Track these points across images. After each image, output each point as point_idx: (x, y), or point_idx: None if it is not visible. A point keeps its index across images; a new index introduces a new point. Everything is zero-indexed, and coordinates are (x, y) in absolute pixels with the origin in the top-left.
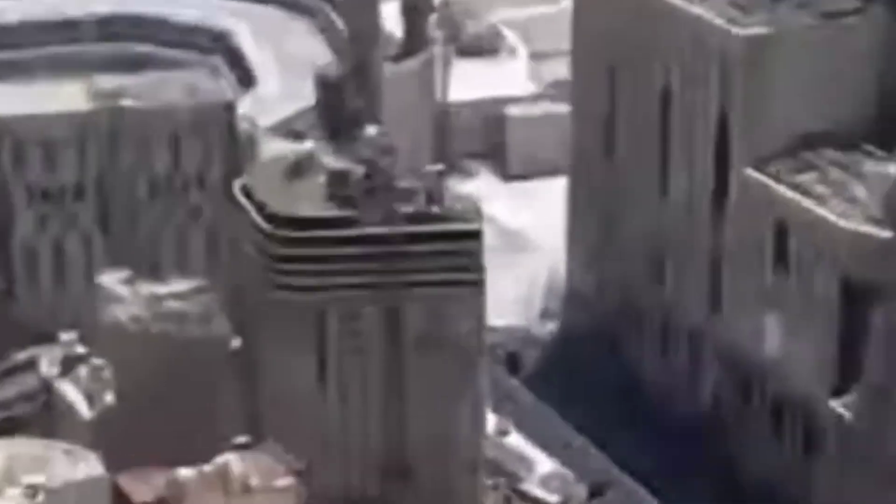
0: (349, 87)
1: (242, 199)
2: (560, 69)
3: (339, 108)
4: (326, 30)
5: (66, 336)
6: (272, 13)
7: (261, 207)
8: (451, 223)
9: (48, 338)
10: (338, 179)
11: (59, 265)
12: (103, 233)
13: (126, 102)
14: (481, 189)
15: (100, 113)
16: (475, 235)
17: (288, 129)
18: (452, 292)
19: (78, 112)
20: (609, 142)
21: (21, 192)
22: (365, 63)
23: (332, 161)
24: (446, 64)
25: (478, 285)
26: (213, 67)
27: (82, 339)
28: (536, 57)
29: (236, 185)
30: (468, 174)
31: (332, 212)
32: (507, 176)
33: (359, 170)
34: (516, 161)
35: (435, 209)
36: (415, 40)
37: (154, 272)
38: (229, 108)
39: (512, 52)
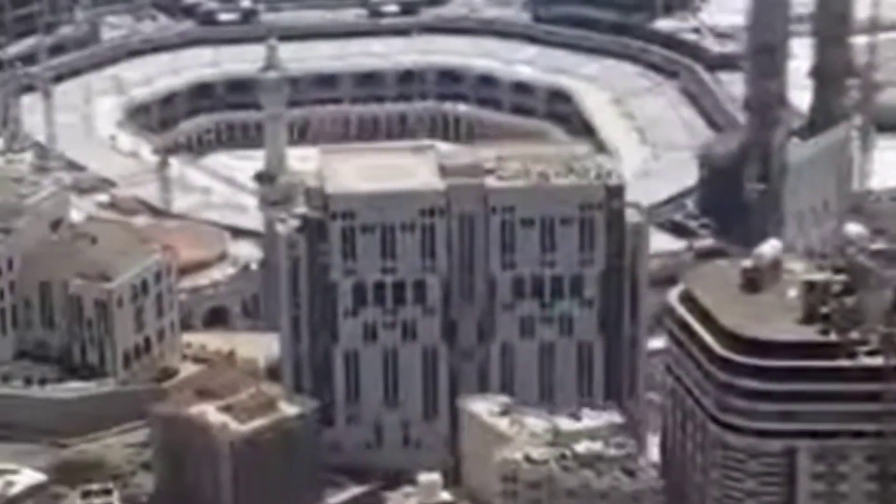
0: (747, 169)
1: (684, 313)
2: None
3: (734, 195)
4: (695, 94)
5: (424, 478)
6: (621, 69)
7: (713, 324)
8: None
9: (369, 474)
10: (817, 293)
11: (391, 381)
12: (449, 345)
13: (487, 180)
14: None
15: (454, 192)
16: None
17: (665, 219)
18: None
19: (426, 190)
20: None
21: (348, 289)
22: (764, 139)
23: (804, 268)
24: (865, 141)
25: None
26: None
27: (445, 484)
28: None
29: (674, 293)
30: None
31: (810, 336)
32: None
33: (836, 280)
34: None
35: None
36: (826, 111)
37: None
38: (617, 191)
39: None
